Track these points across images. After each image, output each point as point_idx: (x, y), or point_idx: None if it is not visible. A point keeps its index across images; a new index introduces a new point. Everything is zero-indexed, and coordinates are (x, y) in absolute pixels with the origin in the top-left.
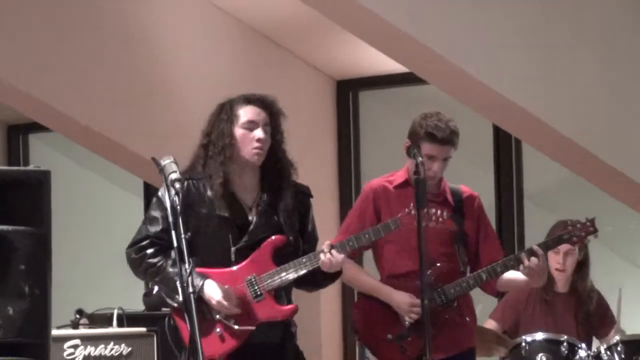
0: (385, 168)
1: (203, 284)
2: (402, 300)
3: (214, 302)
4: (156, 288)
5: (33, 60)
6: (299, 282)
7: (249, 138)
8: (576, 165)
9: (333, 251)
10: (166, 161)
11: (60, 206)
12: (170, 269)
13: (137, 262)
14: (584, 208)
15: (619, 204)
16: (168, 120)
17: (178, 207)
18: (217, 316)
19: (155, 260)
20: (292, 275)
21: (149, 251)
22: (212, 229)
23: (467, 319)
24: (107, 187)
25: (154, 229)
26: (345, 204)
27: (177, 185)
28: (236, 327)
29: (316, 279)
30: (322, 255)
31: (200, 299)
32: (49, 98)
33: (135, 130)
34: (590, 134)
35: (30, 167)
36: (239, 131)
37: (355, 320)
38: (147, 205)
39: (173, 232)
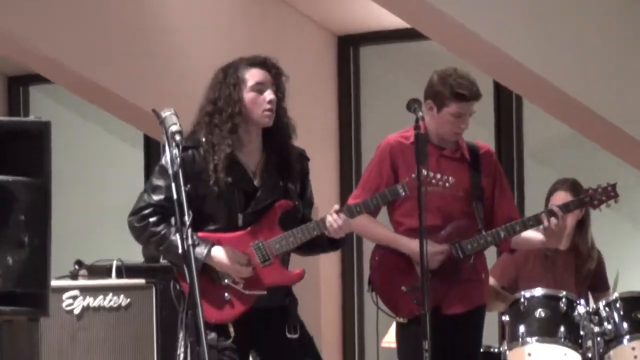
0: (386, 124)
1: (210, 250)
2: (418, 248)
3: (224, 264)
4: None
5: (34, 12)
6: (304, 247)
7: (260, 100)
8: (577, 122)
9: (341, 215)
10: (167, 113)
11: (60, 158)
12: (174, 237)
13: (140, 230)
14: (584, 165)
15: (618, 161)
16: (169, 73)
17: (178, 159)
18: (226, 281)
19: (158, 228)
20: (300, 240)
21: (152, 219)
22: (219, 196)
23: (482, 275)
24: (108, 139)
25: (157, 197)
26: (345, 161)
27: (178, 137)
28: (245, 291)
29: (322, 244)
30: (329, 220)
31: (207, 266)
32: (49, 50)
33: (136, 83)
34: (591, 91)
35: (31, 118)
36: (248, 95)
37: (371, 270)
38: (147, 157)
39: (173, 184)
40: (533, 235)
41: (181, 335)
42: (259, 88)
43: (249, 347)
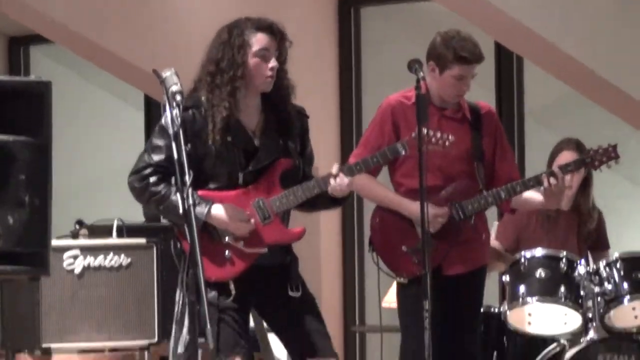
0: (387, 84)
1: (210, 209)
2: (419, 209)
3: (224, 221)
4: None
5: None
6: (305, 205)
7: (262, 67)
8: (578, 82)
9: (341, 175)
10: (167, 73)
11: (61, 118)
12: (174, 197)
13: (140, 190)
14: (585, 126)
15: (619, 121)
16: (170, 33)
17: (178, 119)
18: (227, 239)
19: (158, 188)
20: (300, 199)
21: (152, 179)
22: (219, 155)
23: (483, 235)
24: (108, 99)
25: (158, 157)
26: (346, 123)
27: (178, 97)
28: (246, 249)
29: (324, 202)
30: (331, 180)
31: (207, 224)
32: (50, 10)
33: (136, 43)
34: (592, 51)
35: (32, 77)
36: (252, 60)
37: (372, 230)
38: (148, 118)
39: (173, 144)
40: (533, 196)
41: (178, 292)
42: (263, 54)
43: (249, 305)
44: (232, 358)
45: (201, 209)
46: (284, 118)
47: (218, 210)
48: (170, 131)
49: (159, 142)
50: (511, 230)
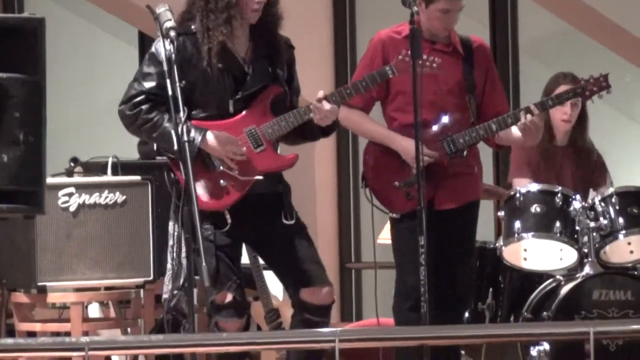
0: (382, 20)
1: (204, 135)
2: (409, 146)
3: (217, 148)
4: None
5: None
6: (294, 134)
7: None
8: (572, 17)
9: (324, 102)
10: (161, 9)
11: (55, 55)
12: (167, 124)
13: (132, 118)
14: (580, 61)
15: (614, 56)
16: None
17: (173, 55)
18: (221, 167)
19: (151, 115)
20: (292, 124)
21: (144, 107)
22: (209, 82)
23: (475, 169)
24: (102, 36)
25: (149, 84)
26: (340, 64)
27: (172, 33)
28: (241, 177)
29: (312, 131)
30: (314, 105)
31: (202, 152)
32: None
33: None
34: None
35: (25, 14)
36: None
37: (364, 166)
38: (142, 55)
39: (168, 81)
40: (515, 132)
41: (171, 224)
42: None
43: (242, 238)
44: (223, 294)
45: (195, 136)
46: (272, 46)
47: (211, 137)
48: (165, 67)
49: (149, 69)
50: (526, 167)
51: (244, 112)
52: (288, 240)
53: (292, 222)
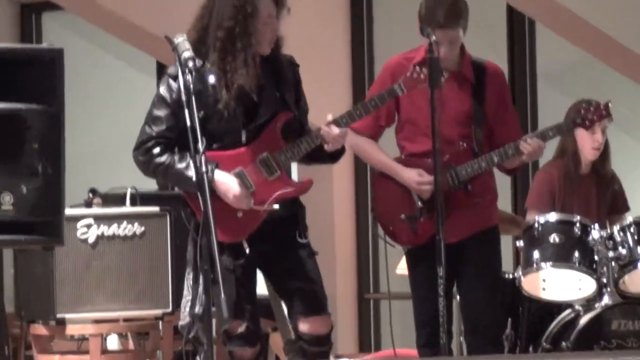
0: (399, 45)
1: (213, 176)
2: (410, 177)
3: (224, 194)
4: None
5: None
6: (305, 158)
7: (268, 32)
8: (590, 44)
9: (333, 126)
10: (179, 39)
11: (73, 86)
12: (178, 165)
13: (145, 164)
14: (598, 88)
15: (632, 84)
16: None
17: (191, 85)
18: None
19: (162, 159)
20: (304, 150)
21: (155, 151)
22: (221, 115)
23: (479, 200)
24: (120, 66)
25: (158, 128)
26: (358, 85)
27: (191, 63)
28: (257, 207)
29: (321, 156)
30: (324, 131)
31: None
32: None
33: (148, 9)
34: (603, 13)
35: (43, 45)
36: (259, 26)
37: (373, 197)
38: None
39: (186, 110)
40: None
41: (190, 251)
42: (270, 21)
43: (259, 260)
44: (237, 323)
45: (208, 175)
46: (277, 70)
47: (221, 180)
48: (184, 98)
49: (158, 112)
50: (547, 195)
51: (256, 141)
52: (297, 257)
53: (305, 241)
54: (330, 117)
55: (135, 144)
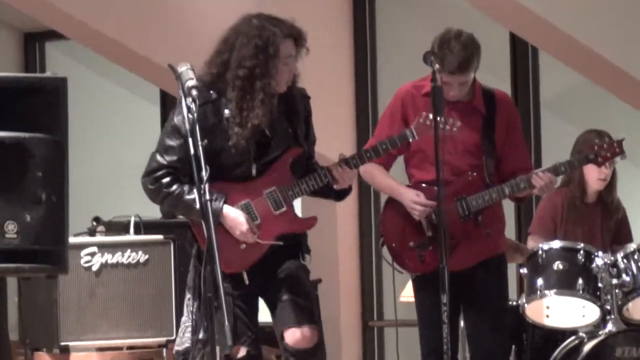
0: (403, 76)
1: (222, 211)
2: (407, 196)
3: (231, 226)
4: None
5: None
6: (313, 193)
7: (286, 72)
8: (592, 71)
9: (343, 166)
10: (183, 68)
11: (77, 114)
12: (187, 196)
13: (154, 192)
14: (601, 116)
15: (634, 111)
16: (185, 28)
17: (195, 114)
18: None
19: (172, 189)
20: (312, 187)
21: (165, 181)
22: (233, 150)
23: (489, 231)
24: (124, 95)
25: (170, 158)
26: (361, 113)
27: (194, 92)
28: (261, 241)
29: (328, 192)
30: (336, 173)
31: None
32: (65, 5)
33: (151, 38)
34: (607, 41)
35: (47, 73)
36: (280, 66)
37: (381, 224)
38: (164, 113)
39: (190, 139)
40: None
41: (190, 277)
42: (289, 61)
43: (260, 286)
44: (237, 348)
45: (217, 205)
46: (290, 104)
47: (228, 214)
48: (187, 126)
49: (171, 142)
50: (549, 223)
51: (265, 174)
52: (291, 271)
53: (304, 262)
54: (341, 156)
55: (145, 170)
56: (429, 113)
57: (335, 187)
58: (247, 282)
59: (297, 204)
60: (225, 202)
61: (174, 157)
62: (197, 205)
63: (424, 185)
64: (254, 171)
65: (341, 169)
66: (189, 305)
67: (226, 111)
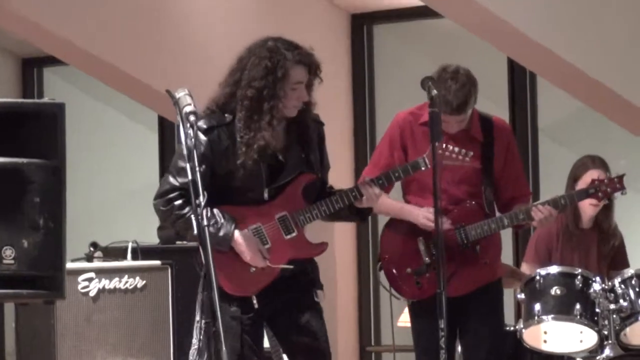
0: (400, 102)
1: (233, 235)
2: (420, 212)
3: (242, 250)
4: None
5: None
6: (330, 217)
7: (294, 98)
8: (590, 98)
9: (371, 184)
10: (181, 94)
11: (75, 140)
12: (197, 201)
13: (166, 214)
14: (598, 141)
15: (632, 136)
16: (183, 53)
17: (192, 140)
18: None
19: (184, 211)
20: (324, 213)
21: (177, 203)
22: (246, 173)
23: (487, 261)
24: (122, 120)
25: (183, 180)
26: (359, 139)
27: (192, 118)
28: (271, 265)
29: (347, 215)
30: (366, 188)
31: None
32: (63, 31)
33: (149, 63)
34: (605, 67)
35: (45, 99)
36: (288, 90)
37: (380, 250)
38: (162, 139)
39: (187, 165)
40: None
41: (199, 300)
42: (298, 87)
43: (264, 318)
44: None
45: (228, 229)
46: (303, 130)
47: (239, 239)
48: (184, 151)
49: (183, 164)
50: (543, 249)
51: (277, 199)
52: (306, 314)
53: (318, 299)
54: (367, 178)
55: (156, 192)
56: (444, 143)
57: (362, 203)
58: (256, 306)
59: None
60: (236, 227)
61: (186, 179)
62: (210, 230)
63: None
64: (266, 195)
65: (370, 188)
66: (197, 328)
67: (238, 135)
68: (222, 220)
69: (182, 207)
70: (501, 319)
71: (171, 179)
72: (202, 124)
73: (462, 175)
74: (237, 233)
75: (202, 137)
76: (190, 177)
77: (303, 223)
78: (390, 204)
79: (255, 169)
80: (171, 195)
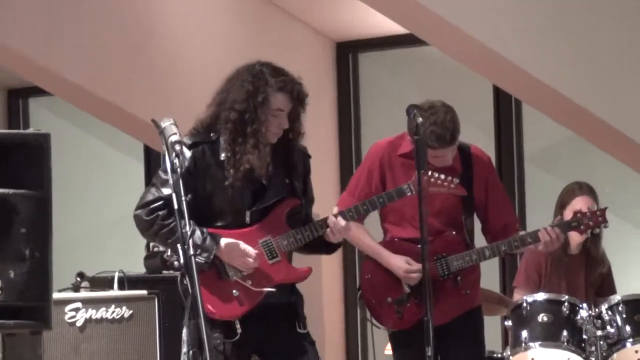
0: (386, 130)
1: (219, 243)
2: (398, 265)
3: (231, 255)
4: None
5: (34, 24)
6: (304, 247)
7: (274, 125)
8: (576, 125)
9: (339, 218)
10: (166, 123)
11: (60, 170)
12: (184, 230)
13: (148, 223)
14: (585, 169)
15: (618, 164)
16: (168, 83)
17: (178, 169)
18: (234, 277)
19: (168, 221)
20: (307, 238)
21: (162, 213)
22: (228, 194)
23: (468, 291)
24: (107, 150)
25: (167, 191)
26: (345, 167)
27: (177, 147)
28: (254, 288)
29: (319, 246)
30: (331, 221)
31: (216, 260)
32: (48, 62)
33: (134, 93)
34: (590, 94)
35: (30, 130)
36: (269, 116)
37: (360, 280)
38: (148, 169)
39: (173, 194)
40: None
41: (185, 332)
42: (278, 114)
43: (254, 344)
44: None
45: (211, 244)
46: (289, 156)
47: (227, 244)
48: (170, 181)
49: (167, 177)
50: (534, 275)
51: (259, 223)
52: (302, 349)
53: (305, 331)
54: (336, 210)
55: (138, 203)
56: (432, 171)
57: (330, 238)
58: (239, 331)
59: None
60: (220, 237)
61: (170, 191)
62: (195, 239)
63: (397, 240)
64: (247, 218)
65: (335, 220)
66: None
67: (222, 154)
68: (206, 233)
69: (166, 217)
70: (482, 345)
71: (154, 190)
72: (187, 140)
73: (440, 206)
74: (222, 240)
75: (187, 152)
76: (175, 206)
77: (286, 248)
78: (368, 245)
79: (237, 191)
80: (155, 205)
